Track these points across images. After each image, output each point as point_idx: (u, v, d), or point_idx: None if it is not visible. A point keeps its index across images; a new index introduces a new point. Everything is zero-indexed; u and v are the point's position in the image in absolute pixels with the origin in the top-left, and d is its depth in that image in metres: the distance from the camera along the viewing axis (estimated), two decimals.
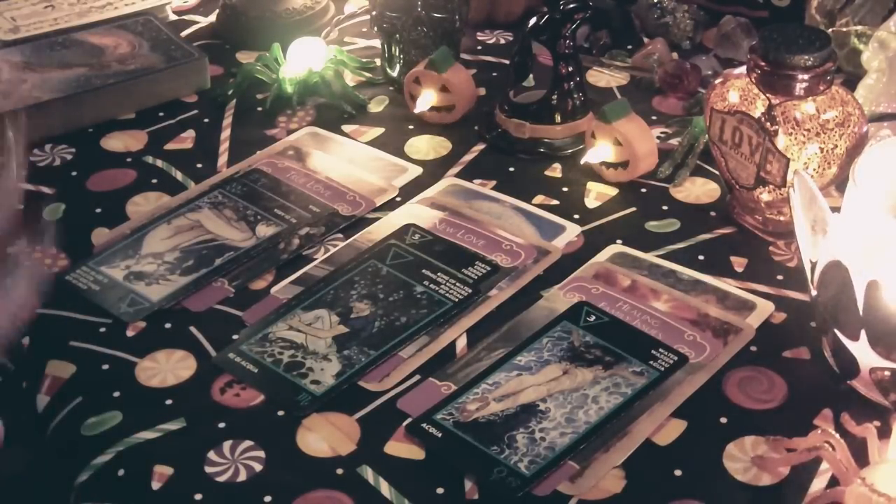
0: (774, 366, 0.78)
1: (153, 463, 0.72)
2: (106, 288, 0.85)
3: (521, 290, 0.85)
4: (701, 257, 0.88)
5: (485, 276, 0.85)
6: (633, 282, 0.84)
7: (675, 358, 0.78)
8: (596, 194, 0.95)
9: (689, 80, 1.06)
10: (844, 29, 1.05)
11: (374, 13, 1.08)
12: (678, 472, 0.70)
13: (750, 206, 0.89)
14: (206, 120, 1.06)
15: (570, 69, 0.99)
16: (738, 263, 0.87)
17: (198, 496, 0.70)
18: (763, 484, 0.70)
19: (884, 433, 0.69)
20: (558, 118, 1.00)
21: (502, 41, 1.18)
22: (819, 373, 0.77)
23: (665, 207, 0.93)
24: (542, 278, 0.86)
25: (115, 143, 1.03)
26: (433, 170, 0.98)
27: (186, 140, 1.03)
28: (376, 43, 1.13)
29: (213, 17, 1.22)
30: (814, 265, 0.74)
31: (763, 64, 0.83)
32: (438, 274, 0.85)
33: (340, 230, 0.91)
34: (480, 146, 1.01)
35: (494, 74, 1.12)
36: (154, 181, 0.97)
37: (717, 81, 0.89)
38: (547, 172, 0.98)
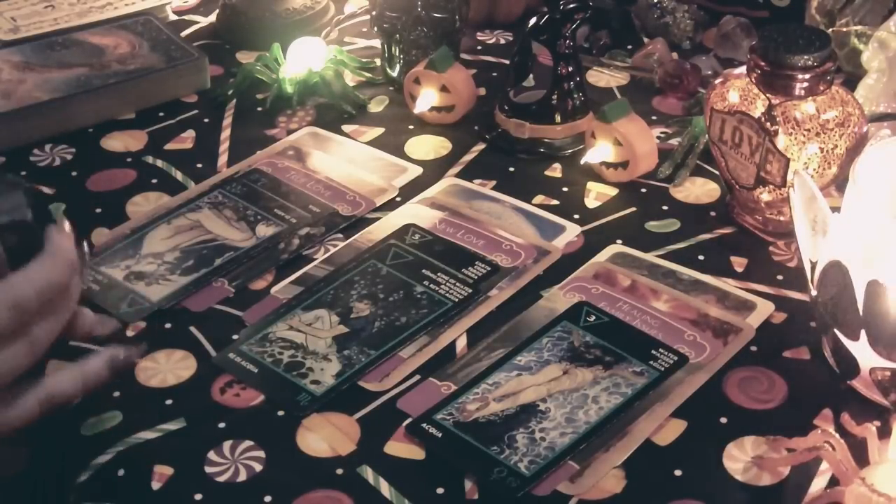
0: (774, 366, 0.78)
1: (153, 463, 0.72)
2: (106, 288, 0.85)
3: (521, 290, 0.85)
4: (701, 257, 0.87)
5: (485, 276, 0.85)
6: (633, 282, 0.84)
7: (675, 358, 0.78)
8: (596, 194, 0.95)
9: (689, 80, 1.06)
10: (844, 29, 1.05)
11: (374, 13, 1.08)
12: (678, 472, 0.70)
13: (750, 206, 0.89)
14: (206, 120, 1.06)
15: (570, 69, 0.99)
16: (738, 263, 0.87)
17: (198, 496, 0.70)
18: (763, 484, 0.69)
19: (884, 433, 0.69)
20: (558, 118, 1.00)
21: (502, 41, 1.18)
22: (819, 373, 0.77)
23: (665, 207, 0.93)
24: (542, 278, 0.86)
25: (115, 143, 1.03)
26: (433, 170, 0.98)
27: (186, 140, 1.03)
28: (376, 43, 1.13)
29: (213, 17, 1.22)
30: (814, 265, 0.74)
31: (763, 64, 0.83)
32: (438, 274, 0.85)
33: (340, 230, 0.91)
34: (480, 146, 1.01)
35: (494, 74, 1.12)
36: (154, 181, 0.98)
37: (717, 81, 0.89)
38: (547, 172, 0.98)
